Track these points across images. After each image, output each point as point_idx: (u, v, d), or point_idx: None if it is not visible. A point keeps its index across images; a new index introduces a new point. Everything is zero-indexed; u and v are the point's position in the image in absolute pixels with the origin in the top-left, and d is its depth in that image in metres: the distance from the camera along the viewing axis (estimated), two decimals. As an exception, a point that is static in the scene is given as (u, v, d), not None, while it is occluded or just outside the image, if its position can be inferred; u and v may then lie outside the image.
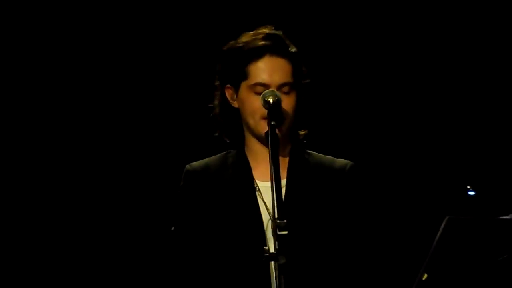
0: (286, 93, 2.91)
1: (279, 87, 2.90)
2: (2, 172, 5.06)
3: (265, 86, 2.90)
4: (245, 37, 2.97)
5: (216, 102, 3.02)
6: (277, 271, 2.50)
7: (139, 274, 5.09)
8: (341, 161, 2.99)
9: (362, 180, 2.97)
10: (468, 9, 5.09)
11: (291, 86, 2.92)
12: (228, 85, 2.97)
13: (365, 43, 5.20)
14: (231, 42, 2.99)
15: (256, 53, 2.93)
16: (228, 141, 3.02)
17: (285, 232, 2.49)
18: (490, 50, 5.14)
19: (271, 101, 2.80)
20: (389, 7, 5.15)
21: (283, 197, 2.83)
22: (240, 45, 2.96)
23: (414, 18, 5.16)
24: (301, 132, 3.00)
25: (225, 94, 2.99)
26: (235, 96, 2.97)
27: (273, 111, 2.80)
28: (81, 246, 5.10)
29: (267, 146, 2.72)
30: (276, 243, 2.51)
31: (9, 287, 5.06)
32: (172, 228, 2.95)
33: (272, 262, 2.62)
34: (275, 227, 2.51)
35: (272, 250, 2.55)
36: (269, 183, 2.71)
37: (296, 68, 2.96)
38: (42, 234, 5.08)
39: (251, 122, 2.92)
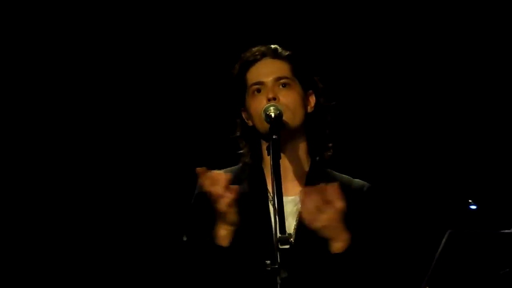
0: (284, 86, 2.93)
1: (275, 81, 2.92)
2: (20, 172, 5.10)
3: (260, 83, 2.93)
4: (243, 56, 3.02)
5: (237, 129, 3.04)
6: (279, 285, 2.49)
7: (147, 282, 5.09)
8: (359, 181, 2.97)
9: (379, 202, 2.95)
10: (468, 10, 5.09)
11: (290, 81, 2.93)
12: (242, 107, 2.99)
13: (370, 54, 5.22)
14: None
15: (251, 62, 2.98)
16: (248, 161, 3.02)
17: (287, 246, 2.48)
18: (489, 70, 5.15)
19: (272, 115, 2.81)
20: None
21: (296, 211, 2.84)
22: (238, 64, 3.00)
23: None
24: (328, 153, 3.00)
25: (242, 118, 3.01)
26: (248, 114, 2.98)
27: (275, 125, 2.80)
28: (90, 253, 5.11)
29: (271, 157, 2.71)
30: (278, 257, 2.51)
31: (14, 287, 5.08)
32: (184, 238, 2.94)
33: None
34: (277, 241, 2.51)
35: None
36: (284, 198, 2.71)
37: (297, 67, 2.98)
38: (51, 240, 5.11)
39: (259, 126, 2.92)
